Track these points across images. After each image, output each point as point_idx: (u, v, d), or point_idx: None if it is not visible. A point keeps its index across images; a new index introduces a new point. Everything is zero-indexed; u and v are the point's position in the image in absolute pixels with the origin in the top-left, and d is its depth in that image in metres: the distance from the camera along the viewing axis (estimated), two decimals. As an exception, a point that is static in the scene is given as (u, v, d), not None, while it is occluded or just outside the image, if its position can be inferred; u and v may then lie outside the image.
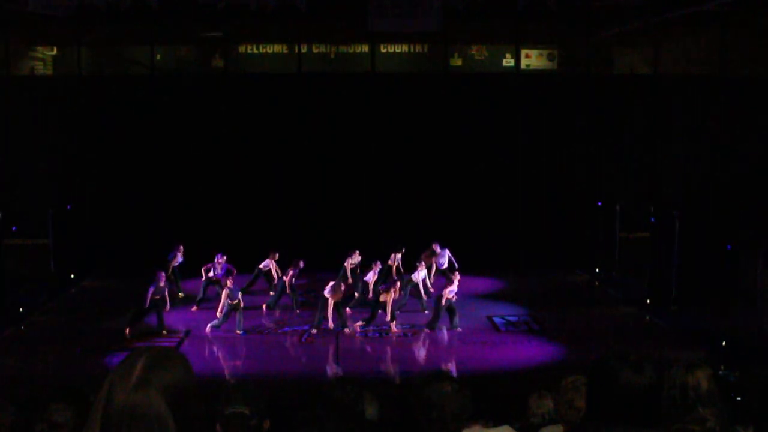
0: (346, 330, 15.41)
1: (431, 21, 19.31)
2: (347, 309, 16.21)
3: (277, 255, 17.60)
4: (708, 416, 3.19)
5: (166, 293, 15.57)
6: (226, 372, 13.58)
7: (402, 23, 19.41)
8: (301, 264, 16.85)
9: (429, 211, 20.68)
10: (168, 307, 15.39)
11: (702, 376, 3.28)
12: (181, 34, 21.89)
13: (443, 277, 16.80)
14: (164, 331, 15.27)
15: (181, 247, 18.16)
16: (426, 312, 16.24)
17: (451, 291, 15.28)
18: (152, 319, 15.44)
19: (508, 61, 22.42)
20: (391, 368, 14.27)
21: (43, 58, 22.55)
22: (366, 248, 18.12)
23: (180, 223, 19.93)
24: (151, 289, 15.10)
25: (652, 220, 18.49)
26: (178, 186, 20.62)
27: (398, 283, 15.79)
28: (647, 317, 16.74)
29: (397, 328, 15.36)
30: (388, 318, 15.22)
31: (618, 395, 2.54)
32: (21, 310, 16.74)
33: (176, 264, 18.15)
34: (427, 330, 15.45)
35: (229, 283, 15.17)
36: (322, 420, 3.45)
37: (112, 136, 20.53)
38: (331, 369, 13.92)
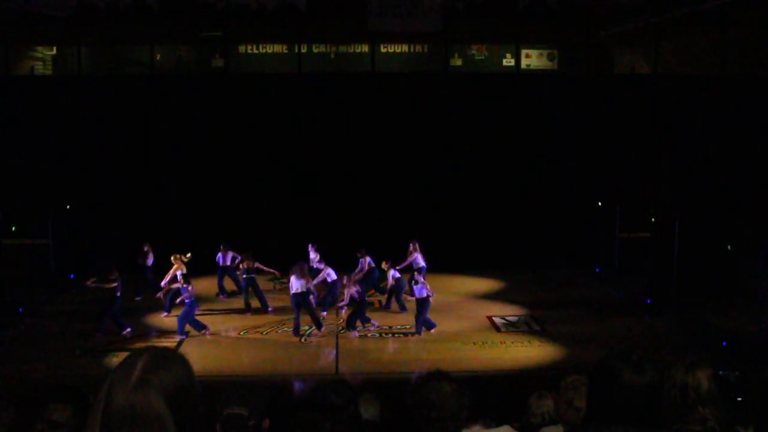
0: (321, 330, 15.45)
1: (431, 21, 19.30)
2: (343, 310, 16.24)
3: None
4: (708, 416, 3.19)
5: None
6: (226, 372, 13.56)
7: (402, 23, 19.40)
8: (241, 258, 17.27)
9: (429, 210, 20.69)
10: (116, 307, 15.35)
11: (702, 375, 3.28)
12: (181, 34, 21.86)
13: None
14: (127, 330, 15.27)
15: (145, 247, 18.12)
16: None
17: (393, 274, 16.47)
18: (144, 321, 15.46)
19: (508, 61, 22.42)
20: (390, 368, 14.23)
21: (43, 58, 22.53)
22: (365, 247, 18.15)
23: (180, 223, 19.93)
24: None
25: (652, 220, 18.48)
26: (178, 186, 20.62)
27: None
28: (647, 317, 16.75)
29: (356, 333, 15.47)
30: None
31: (619, 395, 2.53)
32: (21, 310, 16.75)
33: (148, 264, 18.06)
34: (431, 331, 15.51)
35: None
36: (317, 422, 3.45)
37: (111, 136, 20.52)
38: (330, 369, 13.90)
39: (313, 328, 15.61)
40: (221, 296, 18.08)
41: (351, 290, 15.26)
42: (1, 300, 16.95)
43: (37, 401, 3.53)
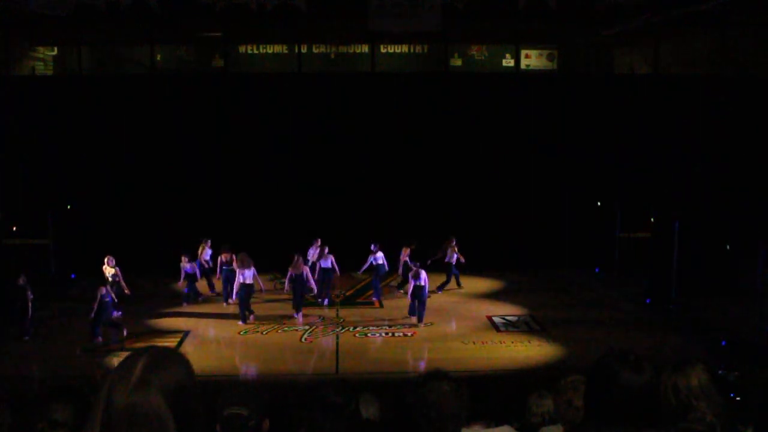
0: (243, 324, 15.90)
1: (431, 21, 19.27)
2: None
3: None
4: (705, 410, 3.18)
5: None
6: (226, 372, 13.56)
7: (402, 23, 19.37)
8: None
9: (428, 210, 20.69)
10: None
11: (691, 372, 3.27)
12: (181, 34, 21.87)
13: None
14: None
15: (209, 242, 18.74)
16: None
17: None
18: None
19: (508, 61, 22.43)
20: (390, 368, 14.23)
21: (43, 58, 22.53)
22: (364, 247, 18.15)
23: (180, 223, 19.93)
24: None
25: (652, 220, 18.48)
26: (178, 185, 20.62)
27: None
28: (647, 317, 16.74)
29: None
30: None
31: (618, 395, 2.54)
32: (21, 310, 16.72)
33: (206, 258, 18.64)
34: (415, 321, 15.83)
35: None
36: (317, 422, 3.45)
37: (112, 135, 20.52)
38: (329, 370, 13.89)
39: (313, 327, 15.66)
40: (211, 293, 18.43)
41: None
42: (1, 300, 16.92)
43: (37, 401, 3.53)
